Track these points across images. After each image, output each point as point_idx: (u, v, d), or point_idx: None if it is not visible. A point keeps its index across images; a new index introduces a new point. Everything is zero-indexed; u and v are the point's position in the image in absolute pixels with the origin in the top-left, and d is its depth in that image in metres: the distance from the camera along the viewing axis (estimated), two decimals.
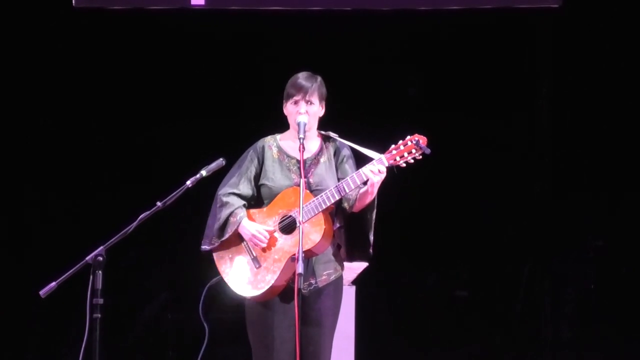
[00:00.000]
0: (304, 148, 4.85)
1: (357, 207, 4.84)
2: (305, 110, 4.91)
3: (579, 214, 7.86)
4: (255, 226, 4.86)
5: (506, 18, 7.82)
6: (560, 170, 7.94)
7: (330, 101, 5.07)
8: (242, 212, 4.90)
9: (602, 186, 7.83)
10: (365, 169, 4.75)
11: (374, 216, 4.87)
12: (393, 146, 4.78)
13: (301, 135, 4.85)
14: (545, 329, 7.96)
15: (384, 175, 4.74)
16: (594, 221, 7.87)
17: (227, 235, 4.88)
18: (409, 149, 4.74)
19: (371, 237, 4.90)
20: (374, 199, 4.82)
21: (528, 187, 7.98)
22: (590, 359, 7.86)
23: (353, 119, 6.89)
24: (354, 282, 6.45)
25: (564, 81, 7.93)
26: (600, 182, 7.84)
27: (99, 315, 4.45)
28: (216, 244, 4.92)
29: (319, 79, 4.98)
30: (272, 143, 5.03)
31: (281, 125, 5.05)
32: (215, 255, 4.95)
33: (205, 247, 4.95)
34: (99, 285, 4.46)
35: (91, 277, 4.47)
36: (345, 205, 4.86)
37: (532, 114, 7.99)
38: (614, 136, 7.87)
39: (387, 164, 4.75)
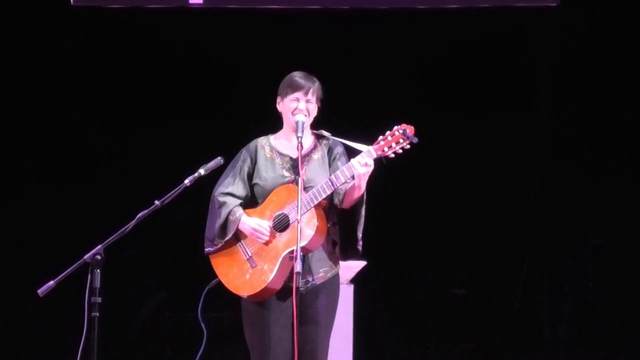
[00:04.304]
0: (302, 146, 4.85)
1: (346, 202, 4.84)
2: (305, 107, 4.92)
3: (577, 212, 7.86)
4: (254, 221, 4.86)
5: (505, 17, 7.82)
6: (559, 168, 7.95)
7: (328, 99, 5.07)
8: (240, 210, 4.91)
9: (600, 184, 7.84)
10: (353, 161, 4.75)
11: (363, 212, 4.87)
12: (380, 137, 4.77)
13: (299, 134, 4.86)
14: (543, 327, 7.97)
15: (371, 168, 4.73)
16: (592, 219, 7.88)
17: (229, 235, 4.89)
18: (397, 139, 4.73)
19: (359, 234, 4.89)
20: (363, 194, 4.81)
21: (526, 185, 7.99)
22: (588, 357, 7.86)
23: (351, 118, 6.90)
24: (352, 281, 6.46)
25: (562, 79, 7.94)
26: (599, 180, 7.85)
27: (97, 314, 4.46)
28: (219, 245, 4.92)
29: (317, 80, 4.99)
30: (265, 143, 5.04)
31: (278, 123, 5.05)
32: (211, 256, 4.95)
33: (209, 249, 4.95)
34: (97, 283, 4.47)
35: (89, 275, 4.48)
36: (336, 200, 4.86)
37: (530, 112, 8.00)
38: (613, 134, 7.88)
39: (375, 156, 4.74)
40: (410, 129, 4.73)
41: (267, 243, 4.85)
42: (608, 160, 7.88)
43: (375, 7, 7.76)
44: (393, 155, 4.75)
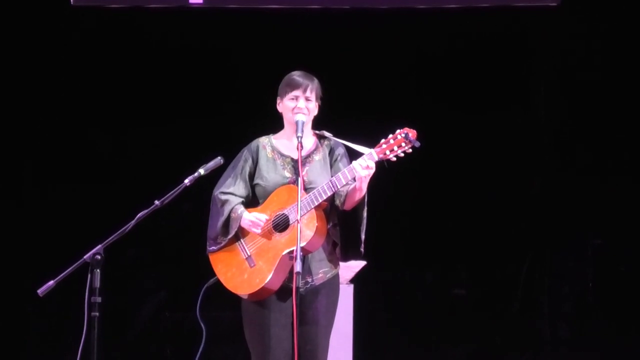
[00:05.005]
0: (302, 146, 4.85)
1: (348, 205, 4.84)
2: (305, 105, 4.92)
3: (577, 212, 7.86)
4: (253, 214, 4.87)
5: (505, 17, 7.82)
6: (559, 168, 7.95)
7: (328, 99, 5.07)
8: (241, 208, 4.91)
9: (601, 184, 7.84)
10: (355, 163, 4.75)
11: (364, 214, 4.87)
12: (383, 140, 4.77)
13: (299, 134, 4.86)
14: (543, 327, 7.97)
15: (372, 171, 4.74)
16: (592, 219, 7.88)
17: (232, 232, 4.89)
18: (399, 142, 4.74)
19: (362, 235, 4.90)
20: (364, 196, 4.81)
21: (527, 185, 7.99)
22: (588, 357, 7.87)
23: (351, 117, 6.90)
24: (352, 281, 6.46)
25: (562, 79, 7.94)
26: (599, 181, 7.85)
27: (97, 314, 4.46)
28: (223, 243, 4.92)
29: (315, 78, 4.99)
30: (267, 143, 5.03)
31: (278, 123, 5.06)
32: (210, 255, 4.96)
33: (212, 248, 4.95)
34: (97, 283, 4.47)
35: (89, 275, 4.48)
36: (337, 202, 4.86)
37: (530, 112, 8.00)
38: (612, 135, 7.88)
39: (377, 158, 4.74)
40: (412, 133, 4.73)
41: (265, 240, 4.84)
42: (608, 160, 7.88)
43: (375, 7, 7.76)
44: (395, 159, 4.75)
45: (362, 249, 4.92)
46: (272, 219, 4.86)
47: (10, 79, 7.86)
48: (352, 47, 7.81)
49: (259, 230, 4.84)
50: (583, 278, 7.97)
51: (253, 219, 4.84)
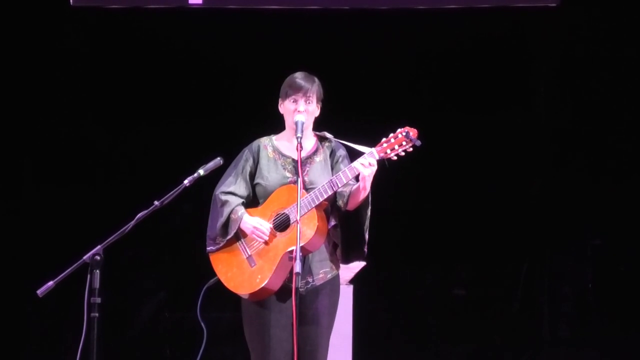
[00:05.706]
0: (301, 147, 4.85)
1: (351, 205, 4.84)
2: (305, 108, 4.92)
3: (577, 212, 7.86)
4: (256, 220, 4.86)
5: (505, 17, 7.82)
6: (559, 168, 7.95)
7: (328, 100, 5.08)
8: (242, 209, 4.91)
9: (600, 185, 7.84)
10: (356, 163, 4.75)
11: (368, 214, 4.87)
12: (384, 139, 4.77)
13: (299, 135, 4.86)
14: (543, 327, 7.97)
15: (374, 169, 4.74)
16: (592, 220, 7.88)
17: (231, 233, 4.89)
18: (400, 141, 4.74)
19: (366, 236, 4.90)
20: (368, 195, 4.81)
21: (527, 185, 7.99)
22: (587, 357, 7.87)
23: (351, 118, 6.90)
24: (352, 282, 6.46)
25: (562, 79, 7.94)
26: (598, 181, 7.85)
27: (97, 315, 4.46)
28: (222, 244, 4.92)
29: (317, 80, 4.99)
30: (268, 143, 5.03)
31: (278, 124, 5.06)
32: (211, 255, 4.96)
33: (211, 247, 4.94)
34: (97, 284, 4.47)
35: (89, 276, 4.48)
36: (340, 202, 4.86)
37: (530, 112, 8.00)
38: (612, 135, 7.88)
39: (377, 157, 4.74)
40: (413, 132, 4.73)
41: (267, 243, 4.86)
42: (608, 161, 7.88)
43: (375, 7, 7.76)
44: (395, 158, 4.75)
45: (365, 249, 4.92)
46: (273, 219, 4.86)
47: (10, 79, 7.86)
48: (352, 47, 7.81)
49: (263, 240, 4.84)
50: (583, 278, 7.97)
51: (257, 225, 4.84)
